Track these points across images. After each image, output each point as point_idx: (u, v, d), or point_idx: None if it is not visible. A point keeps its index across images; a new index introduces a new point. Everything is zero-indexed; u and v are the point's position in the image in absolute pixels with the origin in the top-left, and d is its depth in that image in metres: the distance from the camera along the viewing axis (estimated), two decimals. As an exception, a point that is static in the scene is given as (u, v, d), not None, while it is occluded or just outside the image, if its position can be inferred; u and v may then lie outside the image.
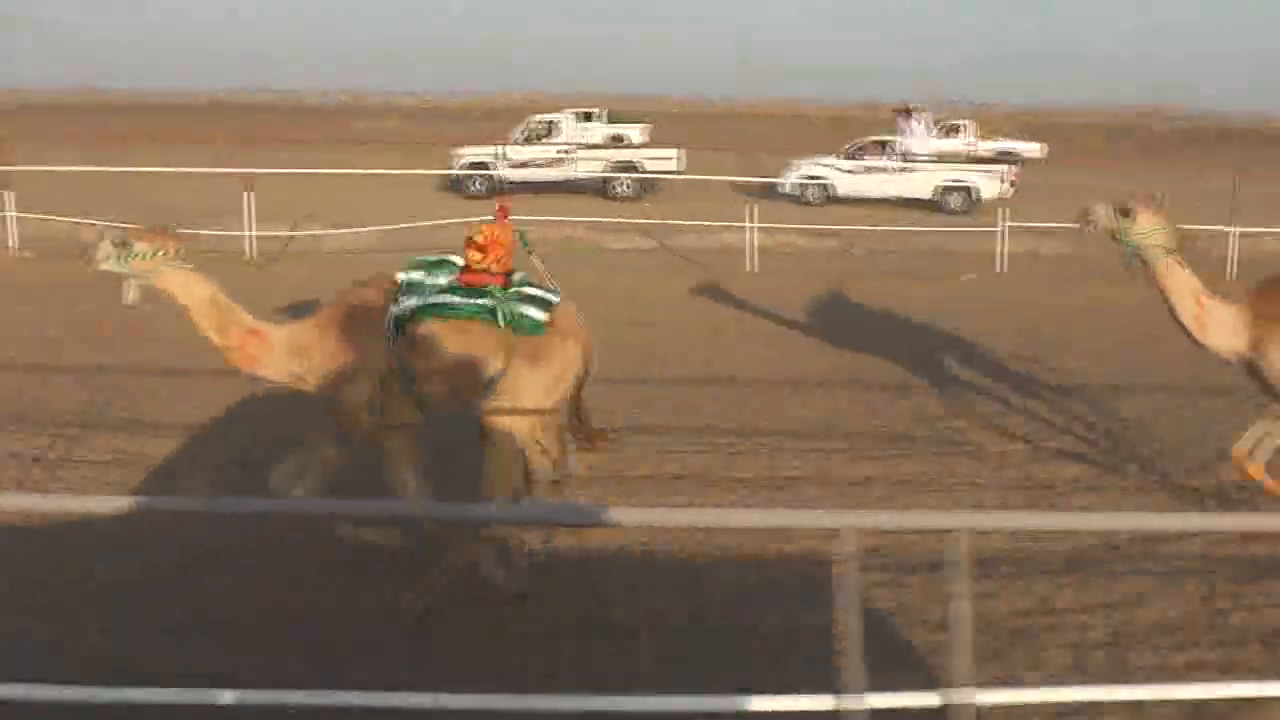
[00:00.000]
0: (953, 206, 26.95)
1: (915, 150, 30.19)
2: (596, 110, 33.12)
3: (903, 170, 28.08)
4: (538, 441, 5.62)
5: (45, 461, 7.64)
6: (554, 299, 5.65)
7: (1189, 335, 6.69)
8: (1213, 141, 59.12)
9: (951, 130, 38.79)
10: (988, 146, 37.94)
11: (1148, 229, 6.53)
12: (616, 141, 31.18)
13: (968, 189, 27.21)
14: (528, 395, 5.50)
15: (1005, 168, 28.89)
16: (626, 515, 4.12)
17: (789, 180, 27.99)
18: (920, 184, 27.66)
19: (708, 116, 65.70)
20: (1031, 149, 39.81)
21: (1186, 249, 6.66)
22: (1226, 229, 17.57)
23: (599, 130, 31.48)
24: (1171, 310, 6.66)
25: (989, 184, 27.05)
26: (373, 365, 5.47)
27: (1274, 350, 6.47)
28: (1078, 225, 6.84)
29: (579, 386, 5.77)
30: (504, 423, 5.52)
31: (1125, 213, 6.56)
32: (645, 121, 34.02)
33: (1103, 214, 6.65)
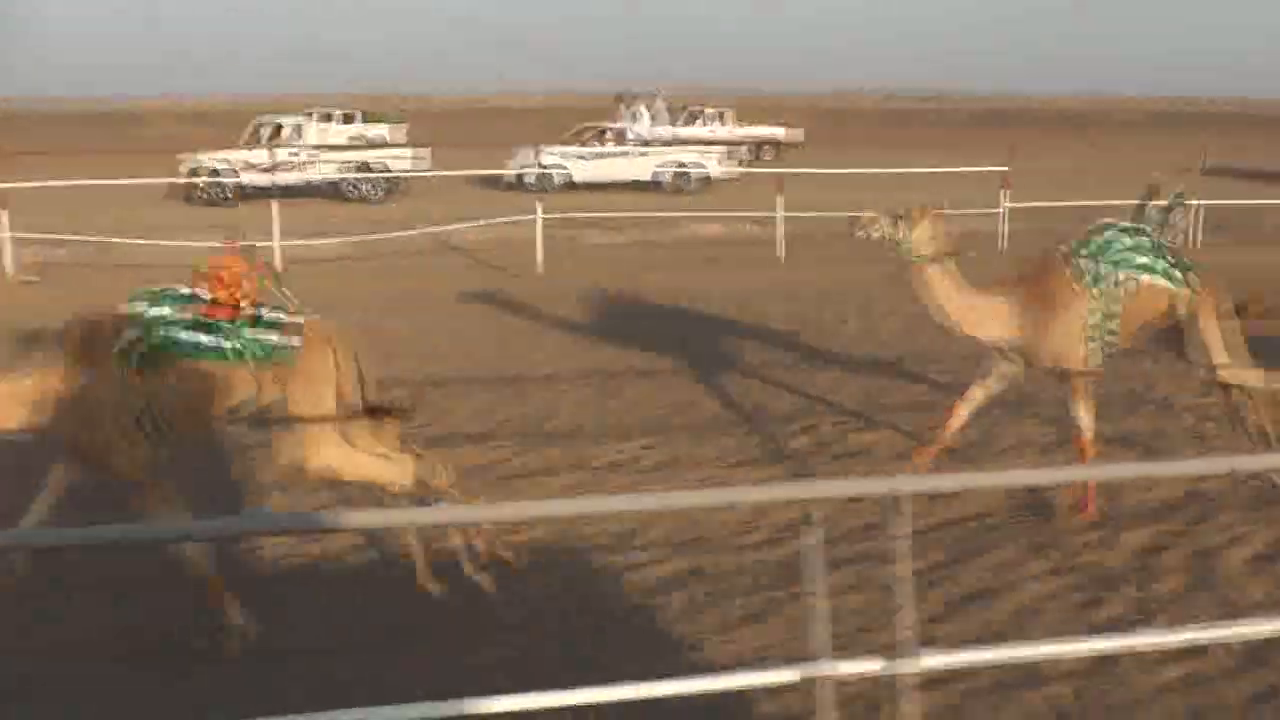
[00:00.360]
0: (676, 188, 28.81)
1: (643, 135, 31.90)
2: (350, 110, 32.55)
3: (625, 155, 29.53)
4: (363, 449, 5.53)
5: None
6: (299, 319, 5.47)
7: (950, 329, 7.06)
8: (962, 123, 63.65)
9: (706, 117, 40.95)
10: (745, 132, 40.01)
11: (924, 237, 6.81)
12: (364, 142, 30.78)
13: (688, 171, 29.13)
14: (310, 412, 5.39)
15: (725, 150, 31.04)
16: (351, 519, 4.07)
17: (520, 169, 28.59)
18: (642, 167, 29.25)
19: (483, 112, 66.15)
20: (779, 133, 42.38)
21: (960, 252, 6.98)
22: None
23: (347, 131, 31.01)
24: (932, 308, 6.98)
25: (714, 166, 29.13)
26: (105, 402, 5.23)
27: (1037, 335, 6.88)
28: (853, 231, 7.00)
29: (362, 387, 5.59)
30: (314, 449, 5.42)
31: (901, 221, 6.83)
32: (401, 120, 33.70)
33: (880, 222, 6.87)
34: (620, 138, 30.71)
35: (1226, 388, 7.14)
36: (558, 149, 29.71)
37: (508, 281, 16.05)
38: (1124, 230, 7.01)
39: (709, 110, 41.61)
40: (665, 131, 34.74)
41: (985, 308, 6.94)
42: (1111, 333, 6.89)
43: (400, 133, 32.32)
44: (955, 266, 6.91)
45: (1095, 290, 6.83)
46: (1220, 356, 6.99)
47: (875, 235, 6.89)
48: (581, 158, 29.83)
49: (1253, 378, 7.04)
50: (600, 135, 30.50)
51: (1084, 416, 6.94)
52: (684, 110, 40.88)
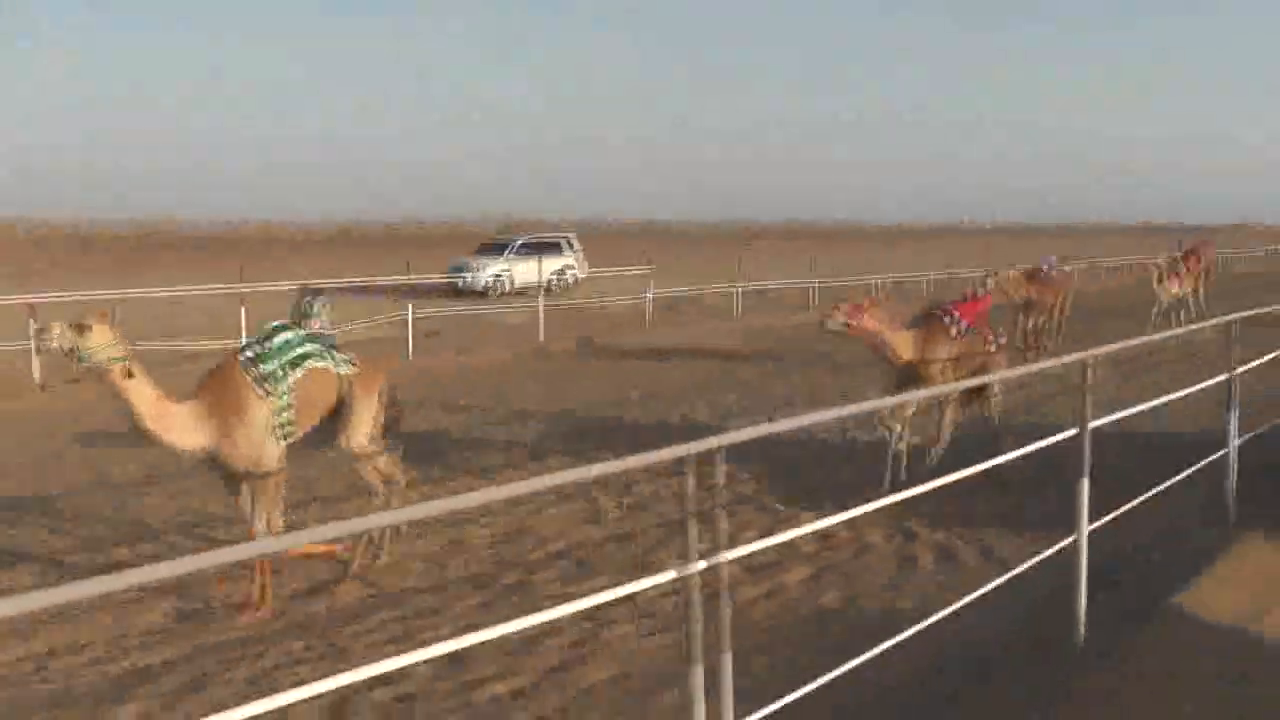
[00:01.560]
0: None
1: None
2: None
3: None
4: None
5: None
6: None
7: (151, 437, 6.92)
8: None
9: None
10: None
11: (103, 343, 6.69)
12: None
13: None
14: None
15: None
16: None
17: None
18: None
19: None
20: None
21: (137, 358, 6.88)
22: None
23: None
24: (132, 416, 6.84)
25: None
26: None
27: (228, 437, 7.00)
28: (37, 345, 6.89)
29: None
30: None
31: (81, 329, 6.65)
32: None
33: (58, 332, 6.67)
34: None
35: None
36: None
37: None
38: (288, 328, 7.50)
39: None
40: None
41: (178, 414, 6.95)
42: (290, 423, 7.27)
43: None
44: (140, 369, 6.86)
45: (274, 390, 7.17)
46: (359, 436, 7.58)
47: (55, 346, 6.70)
48: None
49: (384, 463, 7.76)
50: None
51: (269, 515, 7.14)
52: None
